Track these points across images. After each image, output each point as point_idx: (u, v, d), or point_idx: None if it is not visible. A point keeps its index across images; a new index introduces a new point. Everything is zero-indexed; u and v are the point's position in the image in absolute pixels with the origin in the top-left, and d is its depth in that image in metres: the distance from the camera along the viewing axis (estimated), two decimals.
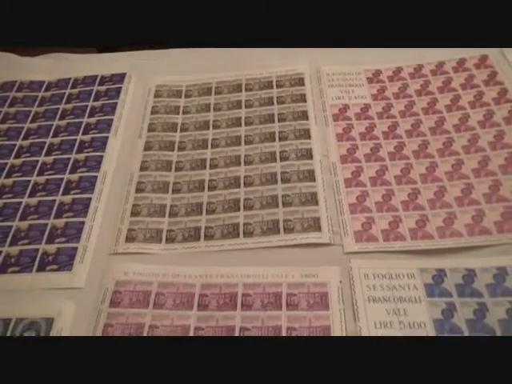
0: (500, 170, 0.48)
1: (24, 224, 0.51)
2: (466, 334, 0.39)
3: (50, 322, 0.43)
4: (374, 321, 0.40)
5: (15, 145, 0.59)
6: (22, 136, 0.60)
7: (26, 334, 0.42)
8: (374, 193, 0.49)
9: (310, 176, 0.51)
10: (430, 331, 0.39)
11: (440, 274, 0.43)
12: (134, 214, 0.51)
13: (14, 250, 0.49)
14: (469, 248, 0.44)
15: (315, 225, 0.47)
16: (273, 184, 0.51)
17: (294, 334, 0.40)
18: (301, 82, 0.61)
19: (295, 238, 0.47)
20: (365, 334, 0.39)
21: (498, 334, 0.39)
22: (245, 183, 0.52)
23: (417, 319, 0.40)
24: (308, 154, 0.53)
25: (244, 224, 0.48)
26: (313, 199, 0.49)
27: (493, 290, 0.41)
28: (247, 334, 0.41)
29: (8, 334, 0.43)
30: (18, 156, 0.58)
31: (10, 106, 0.64)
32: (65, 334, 0.42)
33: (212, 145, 0.56)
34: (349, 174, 0.51)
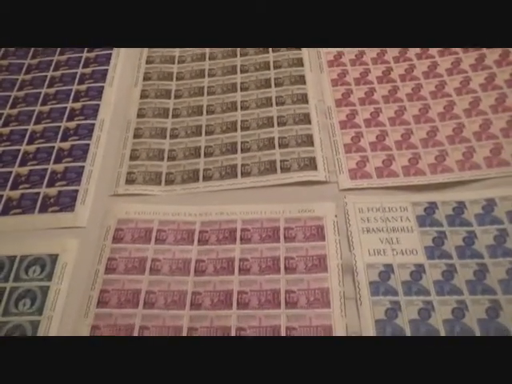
0: (490, 109, 0.49)
1: (23, 170, 0.51)
2: (456, 259, 0.41)
3: (54, 257, 0.44)
4: (368, 249, 0.42)
5: (10, 96, 0.59)
6: (16, 87, 0.60)
7: (31, 270, 0.44)
8: (368, 134, 0.50)
9: (306, 119, 0.52)
10: (421, 257, 0.41)
11: (431, 207, 0.44)
12: (133, 158, 0.51)
13: (15, 193, 0.50)
14: (459, 183, 0.46)
15: (311, 164, 0.48)
16: (269, 127, 0.52)
17: (291, 263, 0.42)
18: None
19: (292, 176, 0.48)
20: (359, 260, 0.41)
21: (486, 259, 0.41)
22: (242, 127, 0.52)
23: (409, 247, 0.42)
24: (303, 99, 0.54)
25: (242, 165, 0.49)
26: (308, 140, 0.50)
27: (481, 220, 0.43)
28: (246, 264, 0.43)
29: (13, 270, 0.44)
30: (13, 106, 0.58)
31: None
32: (69, 269, 0.44)
33: (208, 92, 0.56)
34: (343, 116, 0.52)
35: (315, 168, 0.48)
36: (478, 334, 0.36)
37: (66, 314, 0.41)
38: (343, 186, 0.47)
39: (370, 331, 0.37)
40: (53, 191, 0.49)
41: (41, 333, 0.40)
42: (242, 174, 0.49)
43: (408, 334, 0.37)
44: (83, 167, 0.51)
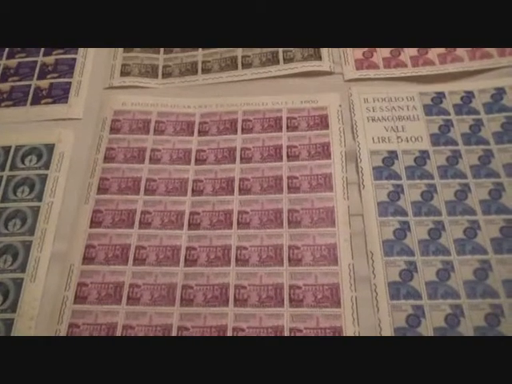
0: None
1: (12, 62, 0.49)
2: (461, 146, 0.40)
3: (50, 147, 0.43)
4: (373, 137, 0.41)
5: None
6: None
7: (27, 159, 0.43)
8: None
9: None
10: (426, 144, 0.40)
11: (439, 96, 0.43)
12: (127, 50, 0.49)
13: (5, 86, 0.47)
14: (469, 73, 0.44)
15: (315, 54, 0.46)
16: None
17: (294, 150, 0.41)
18: None
19: (295, 66, 0.46)
20: (363, 148, 0.41)
21: (492, 145, 0.40)
22: None
23: (414, 134, 0.41)
24: None
25: (242, 57, 0.47)
26: None
27: (489, 108, 0.42)
28: (248, 153, 0.42)
29: (9, 160, 0.43)
30: None
31: None
32: (66, 158, 0.43)
33: None
34: None
35: (319, 58, 0.46)
36: (479, 213, 0.37)
37: (66, 201, 0.41)
38: (349, 77, 0.45)
39: (372, 213, 0.37)
40: (44, 83, 0.47)
41: (42, 217, 0.40)
42: (242, 65, 0.47)
43: (410, 214, 0.37)
44: (75, 59, 0.48)
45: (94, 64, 0.48)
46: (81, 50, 0.49)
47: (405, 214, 0.37)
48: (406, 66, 0.45)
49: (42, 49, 0.49)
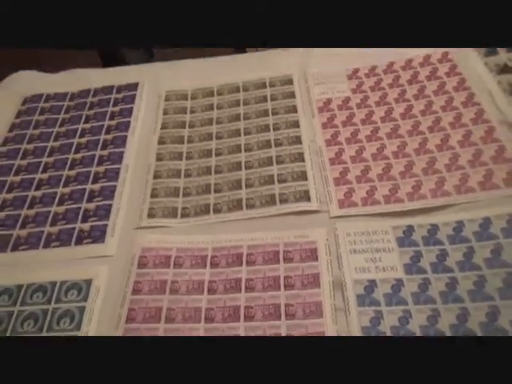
0: (458, 144, 0.57)
1: (61, 209, 0.60)
2: (430, 273, 0.48)
3: (88, 282, 0.52)
4: (355, 267, 0.49)
5: (47, 146, 0.69)
6: (52, 139, 0.70)
7: (69, 293, 0.52)
8: (354, 168, 0.58)
9: (300, 158, 0.60)
10: (400, 273, 0.48)
11: (409, 229, 0.51)
12: (153, 196, 0.60)
13: (54, 229, 0.58)
14: (433, 208, 0.53)
15: (305, 196, 0.56)
16: (269, 166, 0.60)
17: (290, 281, 0.49)
18: (290, 81, 0.71)
19: (289, 207, 0.56)
20: (347, 277, 0.48)
21: (456, 273, 0.47)
22: (245, 167, 0.61)
23: (390, 264, 0.49)
24: (298, 140, 0.62)
25: (246, 199, 0.58)
26: (303, 176, 0.58)
27: (452, 239, 0.50)
28: (251, 283, 0.50)
29: (54, 294, 0.52)
30: (50, 155, 0.68)
31: (40, 114, 0.74)
32: (102, 291, 0.51)
33: (216, 137, 0.66)
34: (332, 154, 0.60)
35: (309, 199, 0.56)
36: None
37: (99, 329, 0.48)
38: (333, 214, 0.54)
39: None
40: (86, 226, 0.58)
41: None
42: (246, 206, 0.57)
43: None
44: (111, 205, 0.60)
45: (127, 208, 0.59)
46: (116, 197, 0.61)
47: None
48: (380, 203, 0.54)
49: (85, 197, 0.61)
